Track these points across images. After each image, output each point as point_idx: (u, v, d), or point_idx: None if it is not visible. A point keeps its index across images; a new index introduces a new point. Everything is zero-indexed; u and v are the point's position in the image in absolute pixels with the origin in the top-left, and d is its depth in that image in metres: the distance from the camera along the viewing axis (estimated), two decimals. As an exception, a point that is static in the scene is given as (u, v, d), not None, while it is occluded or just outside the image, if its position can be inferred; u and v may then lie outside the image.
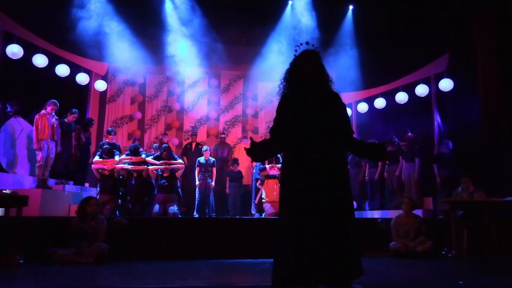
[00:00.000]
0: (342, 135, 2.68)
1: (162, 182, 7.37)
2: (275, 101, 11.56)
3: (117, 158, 7.47)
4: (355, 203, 9.15)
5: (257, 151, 2.75)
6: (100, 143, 8.70)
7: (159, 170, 7.45)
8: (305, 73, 2.71)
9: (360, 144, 2.77)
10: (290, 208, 2.54)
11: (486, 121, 7.54)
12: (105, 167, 7.26)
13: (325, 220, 2.46)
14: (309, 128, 2.58)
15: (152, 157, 7.68)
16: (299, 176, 2.54)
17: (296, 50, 2.82)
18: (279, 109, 2.74)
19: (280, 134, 2.70)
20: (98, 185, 7.45)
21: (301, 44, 2.84)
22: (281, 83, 2.83)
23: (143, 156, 7.71)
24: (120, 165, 7.31)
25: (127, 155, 7.62)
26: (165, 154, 7.55)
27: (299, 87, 2.71)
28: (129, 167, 7.36)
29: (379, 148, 2.77)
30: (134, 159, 7.49)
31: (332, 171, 2.55)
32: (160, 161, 7.45)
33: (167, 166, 7.36)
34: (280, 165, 7.76)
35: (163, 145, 7.89)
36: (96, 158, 7.48)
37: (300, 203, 2.50)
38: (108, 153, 7.45)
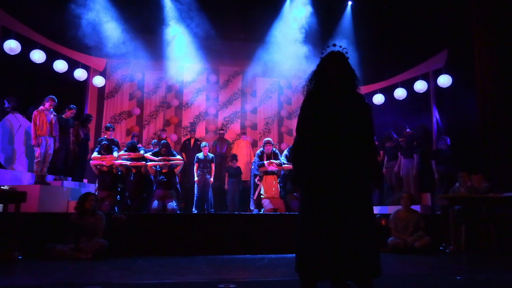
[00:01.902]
0: (361, 136, 2.68)
1: (160, 178, 7.36)
2: (274, 97, 11.69)
3: (115, 154, 7.46)
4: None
5: (297, 171, 2.73)
6: (99, 139, 8.69)
7: (157, 166, 7.45)
8: (330, 73, 2.73)
9: (367, 158, 2.69)
10: (311, 204, 2.59)
11: (483, 117, 7.54)
12: (104, 163, 7.25)
13: (345, 217, 2.53)
14: (331, 126, 2.62)
15: (150, 153, 7.68)
16: (320, 173, 2.58)
17: (322, 53, 2.84)
18: (304, 107, 2.76)
19: (306, 131, 2.72)
20: (97, 181, 7.44)
21: (328, 46, 2.85)
22: (306, 83, 2.85)
23: (142, 152, 7.71)
24: (119, 161, 7.30)
25: (125, 151, 7.62)
26: (164, 150, 7.54)
27: (323, 86, 2.74)
28: (128, 163, 7.35)
29: (378, 177, 2.73)
30: (132, 155, 7.48)
31: (352, 169, 2.59)
32: (159, 157, 7.45)
33: (166, 163, 7.36)
34: (278, 161, 7.80)
35: (162, 141, 7.88)
36: (95, 154, 7.47)
37: (321, 199, 2.56)
38: (107, 149, 7.44)
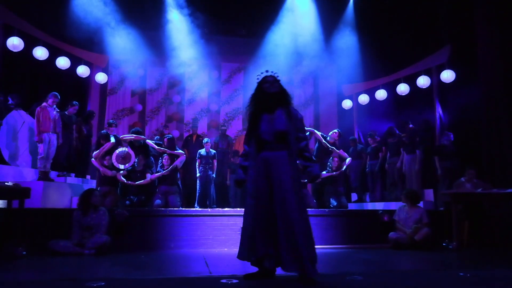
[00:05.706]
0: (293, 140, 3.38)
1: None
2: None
3: (112, 139, 7.48)
4: (355, 195, 9.16)
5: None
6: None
7: (159, 162, 7.51)
8: (266, 92, 3.43)
9: (302, 156, 3.45)
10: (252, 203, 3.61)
11: (487, 113, 7.52)
12: (101, 170, 7.18)
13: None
14: (265, 132, 3.32)
15: (153, 141, 7.81)
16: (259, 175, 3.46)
17: (258, 78, 3.52)
18: (248, 123, 3.50)
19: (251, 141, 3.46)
20: (98, 177, 7.44)
21: (262, 73, 3.53)
22: (248, 104, 3.53)
23: (144, 137, 7.84)
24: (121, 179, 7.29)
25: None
26: (166, 142, 7.66)
27: (262, 103, 3.42)
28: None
29: (311, 173, 3.44)
30: (134, 137, 7.51)
31: (285, 168, 3.30)
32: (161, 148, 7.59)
33: (166, 156, 7.43)
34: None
35: (168, 136, 7.92)
36: (95, 152, 7.45)
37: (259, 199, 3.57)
38: (105, 138, 7.41)
